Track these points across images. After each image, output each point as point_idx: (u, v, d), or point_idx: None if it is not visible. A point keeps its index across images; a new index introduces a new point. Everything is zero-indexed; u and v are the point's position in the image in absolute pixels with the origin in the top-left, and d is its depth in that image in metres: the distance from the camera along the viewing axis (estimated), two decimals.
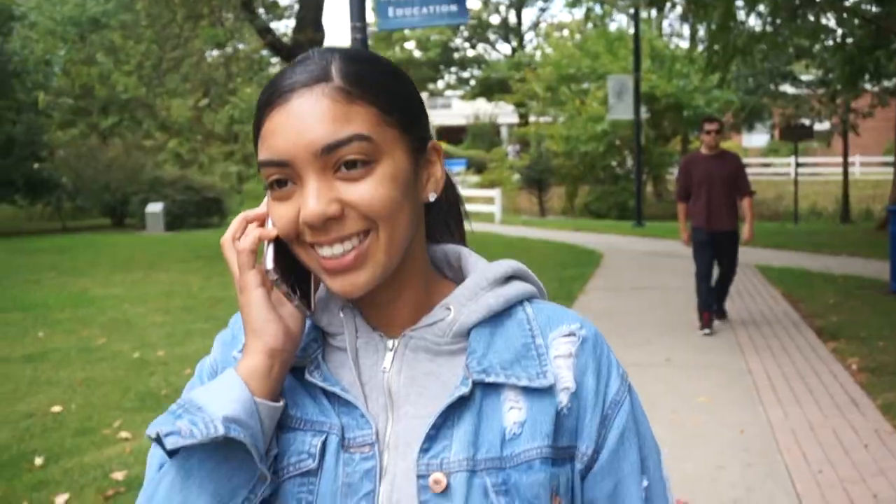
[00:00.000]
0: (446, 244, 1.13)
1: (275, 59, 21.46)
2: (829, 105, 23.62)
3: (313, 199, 0.91)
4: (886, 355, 7.16)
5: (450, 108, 52.61)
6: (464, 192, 16.44)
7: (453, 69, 49.09)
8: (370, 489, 0.95)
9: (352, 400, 0.98)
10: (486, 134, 47.53)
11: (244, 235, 1.00)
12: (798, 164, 34.85)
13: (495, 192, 25.44)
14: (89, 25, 29.44)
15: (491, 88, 43.04)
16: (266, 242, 0.99)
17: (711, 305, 8.23)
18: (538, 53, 39.58)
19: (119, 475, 4.95)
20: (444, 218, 1.14)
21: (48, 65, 25.57)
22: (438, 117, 49.08)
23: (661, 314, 9.22)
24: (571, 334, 1.02)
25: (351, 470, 0.96)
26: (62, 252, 17.38)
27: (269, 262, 0.98)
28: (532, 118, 36.19)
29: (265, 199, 1.01)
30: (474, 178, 35.22)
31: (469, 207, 8.43)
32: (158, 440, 0.89)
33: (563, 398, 0.98)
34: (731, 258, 8.38)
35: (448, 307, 1.01)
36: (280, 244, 0.99)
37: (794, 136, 22.74)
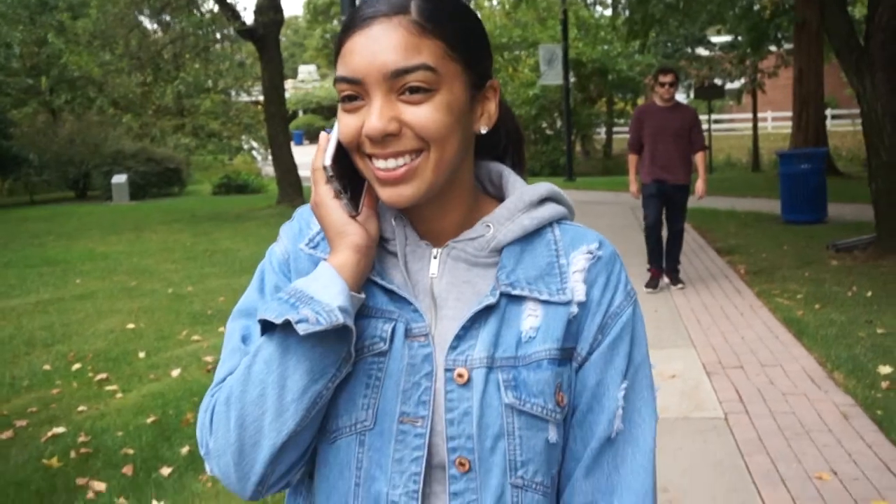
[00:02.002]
0: (490, 162, 1.22)
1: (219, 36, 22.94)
2: (739, 66, 25.97)
3: (376, 115, 1.02)
4: (766, 262, 9.34)
5: None
6: None
7: None
8: (429, 370, 1.07)
9: (407, 297, 1.10)
10: None
11: (314, 157, 1.11)
12: (715, 121, 37.51)
13: None
14: (38, 7, 30.36)
15: None
16: (329, 144, 1.09)
17: (660, 261, 8.26)
18: None
19: (209, 358, 6.78)
20: (503, 148, 1.25)
21: (9, 47, 26.56)
22: None
23: None
24: (589, 252, 1.13)
25: (413, 353, 1.08)
26: (48, 220, 18.81)
27: (328, 160, 1.08)
28: None
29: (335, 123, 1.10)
30: None
31: None
32: (268, 325, 1.04)
33: (573, 308, 1.10)
34: (679, 213, 8.16)
35: (488, 225, 1.12)
36: (343, 154, 1.09)
37: (706, 95, 25.06)
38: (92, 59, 30.09)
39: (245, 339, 1.14)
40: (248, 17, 19.21)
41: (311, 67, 57.08)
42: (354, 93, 1.04)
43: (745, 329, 6.63)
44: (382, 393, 1.07)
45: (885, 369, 5.38)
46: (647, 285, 8.20)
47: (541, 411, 1.07)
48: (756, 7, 19.94)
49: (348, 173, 1.09)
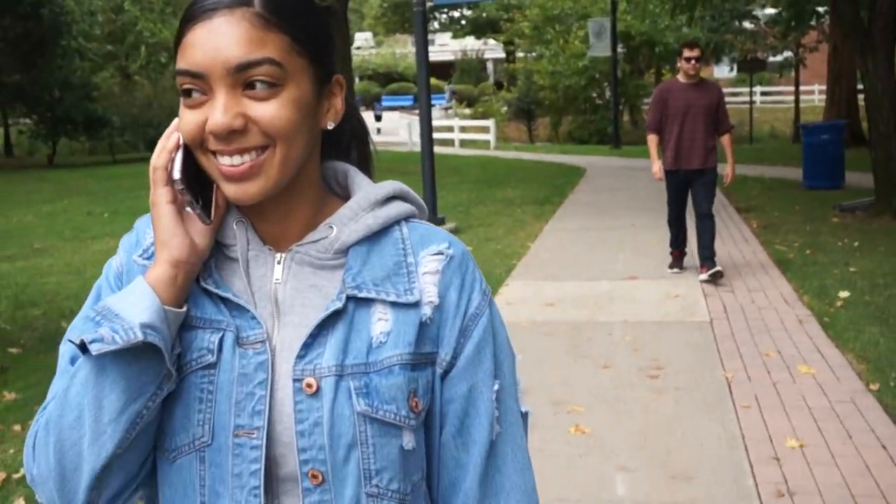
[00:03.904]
0: (336, 162, 1.20)
1: None
2: (782, 41, 27.00)
3: (220, 111, 0.99)
4: (776, 219, 10.81)
5: (436, 45, 55.38)
6: (459, 122, 20.63)
7: (445, 10, 51.80)
8: (263, 378, 1.04)
9: (243, 304, 1.06)
10: (474, 69, 50.56)
11: (156, 154, 1.06)
12: (762, 93, 38.43)
13: (489, 122, 28.83)
14: None
15: (481, 27, 46.02)
16: (176, 153, 1.05)
17: (683, 244, 7.94)
18: None
19: None
20: (346, 145, 1.23)
21: (93, 14, 28.51)
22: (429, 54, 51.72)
23: (631, 203, 12.77)
24: (439, 253, 1.11)
25: (246, 362, 1.04)
26: (135, 177, 20.72)
27: (177, 172, 1.04)
28: (519, 55, 39.37)
29: (175, 120, 1.07)
30: (466, 111, 38.57)
31: (465, 136, 14.35)
32: (83, 346, 0.97)
33: (426, 310, 1.08)
34: (706, 195, 7.58)
35: (331, 226, 1.09)
36: (189, 158, 1.06)
37: (749, 68, 26.18)
38: (165, 26, 32.05)
39: (73, 360, 1.08)
40: None
41: (368, 35, 58.44)
42: (196, 87, 1.01)
43: (744, 267, 8.15)
44: (216, 407, 1.05)
45: (843, 294, 6.88)
46: (671, 266, 7.97)
47: (394, 418, 1.05)
48: None
49: (194, 175, 1.06)
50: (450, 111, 39.02)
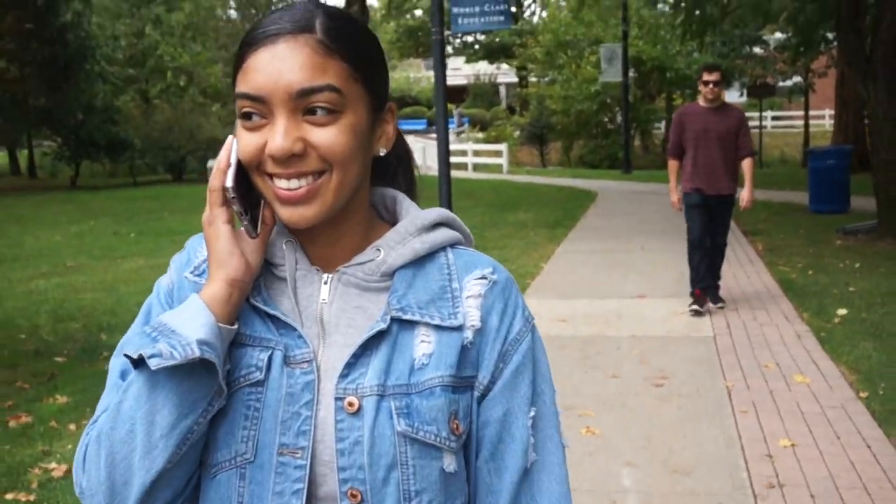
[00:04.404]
0: (385, 188, 1.22)
1: None
2: (792, 66, 27.44)
3: (281, 135, 1.01)
4: (781, 242, 11.19)
5: (450, 69, 56.01)
6: (473, 146, 21.10)
7: (460, 35, 52.52)
8: (310, 398, 1.05)
9: (291, 322, 1.08)
10: (487, 93, 51.17)
11: (213, 177, 1.09)
12: (774, 118, 38.83)
13: (502, 147, 29.32)
14: (137, 1, 33.00)
15: (494, 52, 46.64)
16: (231, 164, 1.07)
17: (705, 280, 7.50)
18: (535, 19, 43.45)
19: None
20: (393, 171, 1.26)
21: (116, 39, 29.20)
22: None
23: (641, 226, 13.17)
24: (483, 278, 1.13)
25: (293, 381, 1.06)
26: (156, 199, 21.24)
27: (229, 181, 1.07)
28: (532, 79, 39.93)
29: (230, 137, 1.10)
30: (479, 135, 39.09)
31: (477, 160, 15.03)
32: (138, 361, 1.00)
33: (468, 334, 1.09)
34: (723, 227, 7.49)
35: (378, 249, 1.12)
36: (241, 175, 1.08)
37: (758, 93, 26.60)
38: (185, 50, 32.71)
39: (123, 375, 1.10)
40: None
41: None
42: (257, 111, 1.03)
43: (747, 286, 8.52)
44: (261, 424, 1.06)
45: (841, 311, 7.25)
46: (692, 305, 7.41)
47: (434, 439, 1.05)
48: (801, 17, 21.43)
49: (245, 192, 1.08)
50: (462, 135, 39.55)
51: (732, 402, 5.20)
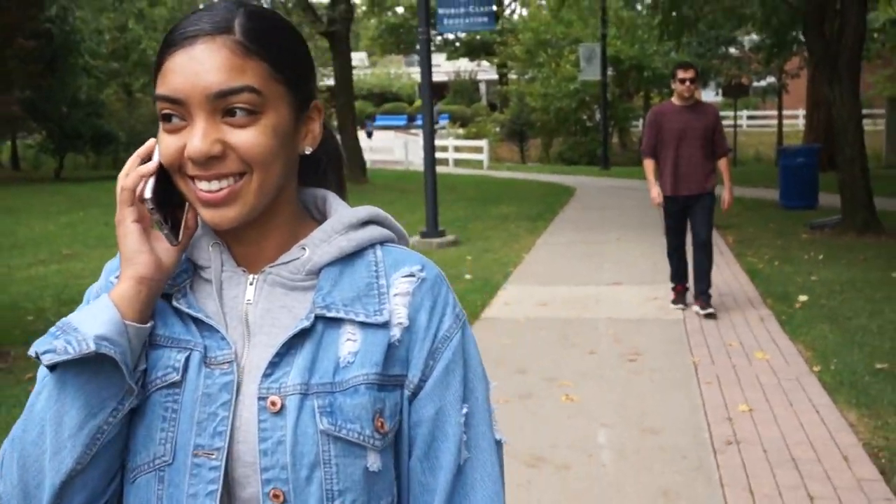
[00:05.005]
0: (316, 188, 1.21)
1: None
2: (766, 67, 28.09)
3: (199, 137, 1.00)
4: (751, 235, 11.76)
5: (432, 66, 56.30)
6: (454, 142, 21.66)
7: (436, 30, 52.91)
8: (227, 399, 1.04)
9: (213, 324, 1.08)
10: (467, 90, 51.67)
11: (127, 175, 1.08)
12: (749, 117, 39.55)
13: (483, 143, 29.83)
14: None
15: (475, 50, 47.13)
16: (149, 173, 1.07)
17: (685, 278, 7.60)
18: (515, 17, 43.98)
19: None
20: (323, 169, 1.25)
21: (100, 33, 29.41)
22: (418, 75, 52.81)
23: (618, 220, 13.69)
24: (411, 275, 1.11)
25: (211, 382, 1.05)
26: None
27: (148, 192, 1.06)
28: (512, 76, 40.46)
29: (152, 140, 1.10)
30: (460, 131, 39.59)
31: (459, 156, 15.90)
32: (38, 358, 0.99)
33: (395, 332, 1.08)
34: (704, 220, 7.32)
35: (304, 247, 1.11)
36: (162, 178, 1.07)
37: (733, 93, 27.23)
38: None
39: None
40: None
41: (363, 55, 59.53)
42: (176, 113, 1.02)
43: (716, 275, 8.98)
44: (178, 426, 1.05)
45: (802, 298, 7.79)
46: (675, 302, 7.60)
47: (357, 437, 1.04)
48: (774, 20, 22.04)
49: (168, 196, 1.08)
50: (442, 131, 40.04)
51: (698, 374, 5.71)
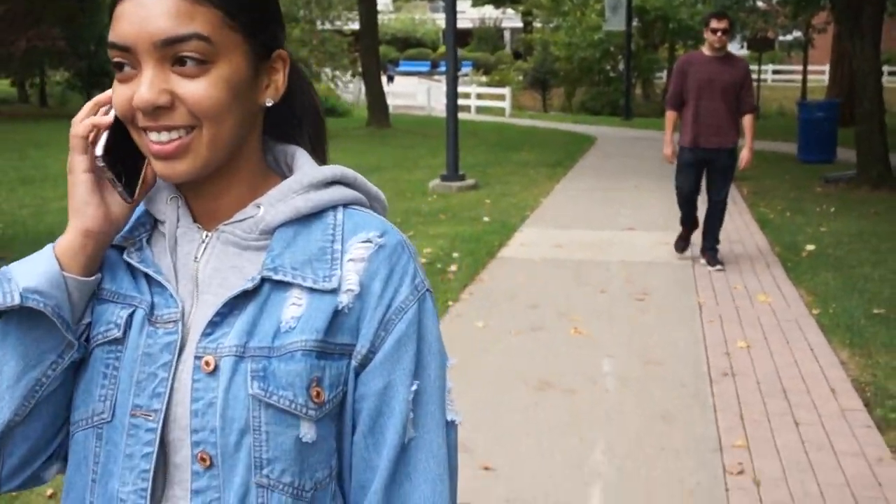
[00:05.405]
0: (288, 144, 1.14)
1: None
2: (793, 21, 27.91)
3: (146, 87, 0.95)
4: (766, 187, 11.98)
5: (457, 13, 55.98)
6: (476, 89, 21.85)
7: None
8: (168, 360, 1.00)
9: (162, 281, 1.03)
10: (491, 38, 51.51)
11: (80, 121, 1.03)
12: (774, 71, 39.32)
13: (506, 91, 29.91)
14: None
15: None
16: (102, 130, 1.02)
17: (692, 225, 7.55)
18: None
19: None
20: (297, 126, 1.17)
21: None
22: (444, 21, 52.64)
23: (637, 168, 13.91)
24: (368, 241, 1.04)
25: (152, 342, 1.01)
26: None
27: (100, 149, 1.01)
28: (537, 25, 40.31)
29: (109, 91, 1.04)
30: (483, 78, 39.60)
31: (481, 103, 16.29)
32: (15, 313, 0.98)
33: (343, 298, 1.01)
34: (723, 181, 7.22)
35: (258, 205, 1.05)
36: (118, 132, 1.03)
37: (758, 47, 27.12)
38: None
39: None
40: None
41: (387, 0, 59.35)
42: (126, 61, 0.97)
43: (728, 223, 9.23)
44: (118, 384, 1.02)
45: (810, 247, 8.04)
46: (676, 247, 7.65)
47: (289, 405, 0.99)
48: None
49: (127, 146, 1.03)
50: (465, 78, 40.04)
51: (702, 314, 6.01)
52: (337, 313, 1.01)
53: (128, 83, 0.97)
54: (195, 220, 1.07)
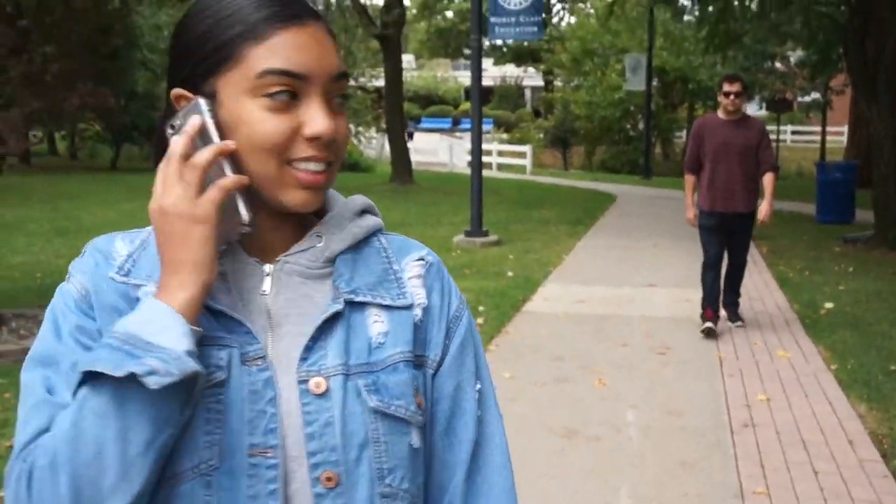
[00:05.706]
0: None
1: None
2: (811, 82, 28.29)
3: (324, 117, 0.99)
4: (784, 247, 12.16)
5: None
6: (498, 146, 22.34)
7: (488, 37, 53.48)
8: (272, 396, 1.01)
9: (239, 318, 1.02)
10: (512, 96, 52.20)
11: (199, 151, 0.99)
12: (793, 132, 39.67)
13: (527, 148, 30.33)
14: None
15: (522, 56, 47.69)
16: (236, 190, 1.00)
17: (717, 301, 7.23)
18: (563, 24, 44.51)
19: None
20: None
21: (160, 29, 30.35)
22: (466, 79, 53.54)
23: (656, 227, 14.14)
24: (421, 259, 1.15)
25: (254, 379, 1.01)
26: None
27: (246, 214, 1.01)
28: (558, 84, 40.94)
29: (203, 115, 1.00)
30: (504, 136, 40.11)
31: (502, 160, 16.88)
32: (96, 375, 0.92)
33: (418, 312, 1.11)
34: (742, 245, 7.28)
35: (319, 235, 1.09)
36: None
37: (776, 108, 27.43)
38: None
39: (51, 392, 0.99)
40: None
41: (410, 57, 60.27)
42: (292, 89, 0.98)
43: (747, 281, 9.42)
44: (226, 427, 0.99)
45: (828, 305, 8.21)
46: (704, 331, 7.06)
47: (405, 413, 1.05)
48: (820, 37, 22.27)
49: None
50: (487, 135, 40.56)
51: (723, 368, 6.18)
52: (414, 326, 1.10)
53: (284, 113, 0.99)
54: (249, 254, 1.08)
